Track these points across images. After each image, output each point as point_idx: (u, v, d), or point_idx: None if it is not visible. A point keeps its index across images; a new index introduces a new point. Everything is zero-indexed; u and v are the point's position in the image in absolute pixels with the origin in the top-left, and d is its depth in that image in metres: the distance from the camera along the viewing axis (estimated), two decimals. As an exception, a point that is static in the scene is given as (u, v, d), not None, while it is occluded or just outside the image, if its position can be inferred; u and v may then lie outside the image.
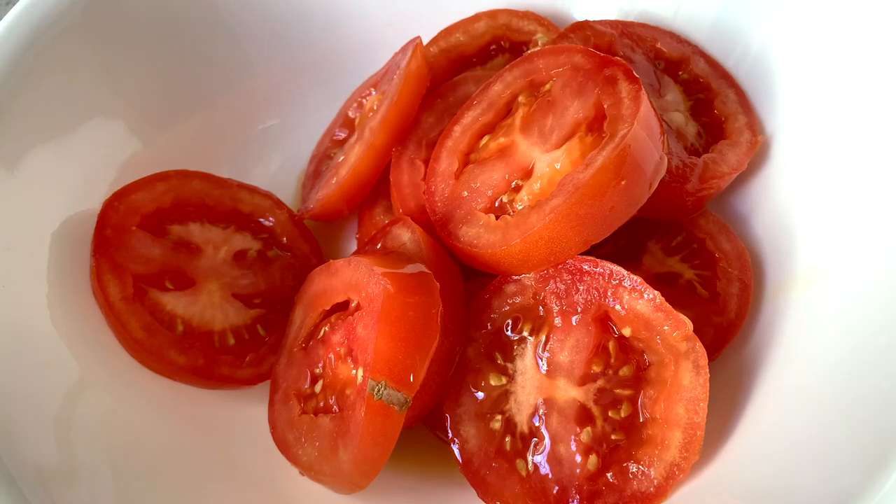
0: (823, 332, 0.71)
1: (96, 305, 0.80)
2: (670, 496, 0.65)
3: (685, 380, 0.67)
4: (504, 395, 0.74)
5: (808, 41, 0.82)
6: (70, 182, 0.83)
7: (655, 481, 0.65)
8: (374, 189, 0.94)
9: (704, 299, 0.81)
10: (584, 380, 0.71)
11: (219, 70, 1.00)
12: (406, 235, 0.80)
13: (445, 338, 0.74)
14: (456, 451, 0.72)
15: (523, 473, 0.70)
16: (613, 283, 0.70)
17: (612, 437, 0.69)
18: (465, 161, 0.84)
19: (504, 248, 0.73)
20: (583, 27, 0.92)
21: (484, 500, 0.71)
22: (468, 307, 0.79)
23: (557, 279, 0.74)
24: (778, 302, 0.78)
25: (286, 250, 0.95)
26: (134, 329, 0.78)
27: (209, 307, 0.86)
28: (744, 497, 0.64)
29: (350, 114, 1.05)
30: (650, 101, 0.74)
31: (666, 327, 0.67)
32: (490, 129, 0.85)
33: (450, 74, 1.00)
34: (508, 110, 0.85)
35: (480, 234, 0.76)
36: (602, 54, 0.78)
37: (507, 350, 0.76)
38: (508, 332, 0.77)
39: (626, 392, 0.70)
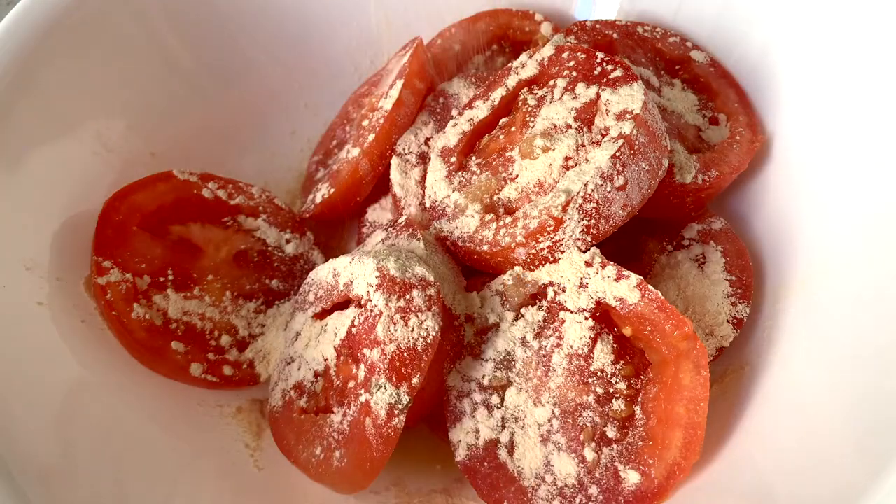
0: (823, 333, 0.71)
1: (96, 305, 0.80)
2: (671, 496, 0.65)
3: (685, 379, 0.67)
4: (505, 394, 0.74)
5: (809, 41, 0.82)
6: (70, 182, 0.83)
7: (656, 481, 0.65)
8: (374, 189, 0.94)
9: (705, 299, 0.81)
10: (585, 380, 0.71)
11: (219, 70, 1.00)
12: (406, 235, 0.80)
13: (446, 338, 0.74)
14: (456, 451, 0.72)
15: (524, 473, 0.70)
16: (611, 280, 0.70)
17: (613, 436, 0.69)
18: (466, 161, 0.84)
19: (504, 247, 0.73)
20: (583, 27, 0.92)
21: (484, 500, 0.71)
22: (469, 307, 0.79)
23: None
24: (778, 302, 0.78)
25: (286, 250, 0.95)
26: (134, 329, 0.78)
27: (210, 307, 0.86)
28: (745, 496, 0.64)
29: (351, 114, 1.05)
30: (651, 101, 0.74)
31: (667, 327, 0.67)
32: (490, 128, 0.85)
33: (450, 74, 1.00)
34: (509, 110, 0.85)
35: (480, 234, 0.76)
36: (602, 54, 0.78)
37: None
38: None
39: (627, 392, 0.70)
